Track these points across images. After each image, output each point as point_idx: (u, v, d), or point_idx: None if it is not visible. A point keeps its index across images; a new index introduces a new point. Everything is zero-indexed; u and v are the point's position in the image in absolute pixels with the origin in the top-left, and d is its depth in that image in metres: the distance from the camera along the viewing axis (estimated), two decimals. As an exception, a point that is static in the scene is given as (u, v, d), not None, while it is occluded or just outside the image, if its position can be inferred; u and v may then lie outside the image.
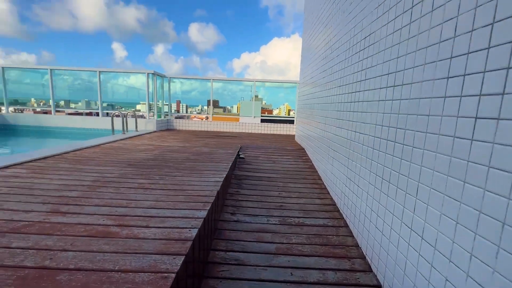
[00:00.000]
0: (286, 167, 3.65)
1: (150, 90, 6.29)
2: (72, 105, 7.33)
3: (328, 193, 2.79)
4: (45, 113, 6.80)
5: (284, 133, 7.08)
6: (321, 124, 3.28)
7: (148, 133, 5.67)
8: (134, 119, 5.99)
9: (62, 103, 7.10)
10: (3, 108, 6.56)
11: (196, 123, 6.99)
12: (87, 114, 7.20)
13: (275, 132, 7.13)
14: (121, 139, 4.55)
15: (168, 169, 2.69)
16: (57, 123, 6.28)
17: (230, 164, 3.05)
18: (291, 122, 7.18)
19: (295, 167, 3.67)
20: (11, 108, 6.64)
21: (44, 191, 1.90)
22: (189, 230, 1.36)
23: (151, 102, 6.39)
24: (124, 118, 5.38)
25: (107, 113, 6.45)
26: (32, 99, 7.76)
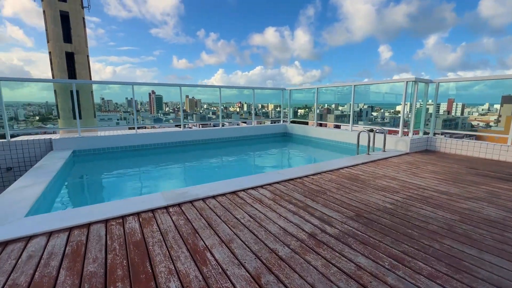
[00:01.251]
0: None
1: (409, 102, 5.14)
2: (340, 108, 8.07)
3: None
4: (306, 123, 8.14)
5: None
6: None
7: (396, 156, 4.69)
8: (383, 135, 5.27)
9: (333, 105, 8.05)
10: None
11: (478, 145, 4.69)
12: (336, 126, 7.57)
13: None
14: (362, 163, 4.08)
15: (408, 243, 1.75)
16: (314, 134, 7.23)
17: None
18: None
19: None
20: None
21: (263, 234, 1.88)
22: None
23: (407, 117, 5.24)
24: (372, 134, 4.86)
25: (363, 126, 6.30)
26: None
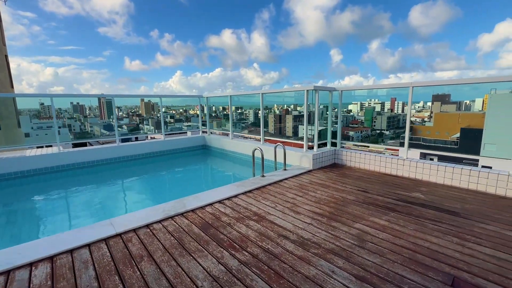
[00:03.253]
0: None
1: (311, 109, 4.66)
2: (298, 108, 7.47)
3: None
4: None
5: None
6: None
7: (295, 176, 4.15)
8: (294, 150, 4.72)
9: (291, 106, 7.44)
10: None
11: (378, 159, 4.36)
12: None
13: None
14: (244, 192, 3.42)
15: None
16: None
17: None
18: None
19: None
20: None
21: None
22: None
23: (310, 127, 4.76)
24: (281, 150, 4.27)
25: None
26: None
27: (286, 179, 4.01)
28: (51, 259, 2.02)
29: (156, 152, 6.46)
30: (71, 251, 2.11)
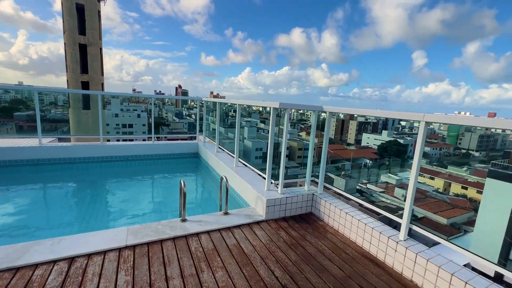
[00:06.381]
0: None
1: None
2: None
3: None
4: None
5: None
6: None
7: (228, 229, 2.97)
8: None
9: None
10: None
11: (385, 231, 2.73)
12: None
13: None
14: (133, 245, 2.50)
15: None
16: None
17: None
18: None
19: None
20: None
21: None
22: None
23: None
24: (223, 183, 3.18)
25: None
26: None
27: (211, 231, 2.88)
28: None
29: (141, 156, 6.10)
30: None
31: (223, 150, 5.70)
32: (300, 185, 3.79)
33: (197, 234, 2.80)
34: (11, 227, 3.46)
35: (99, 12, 23.43)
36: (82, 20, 22.28)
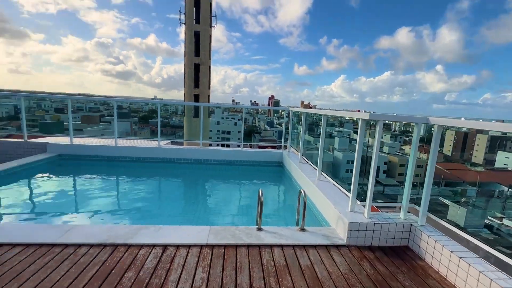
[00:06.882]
0: None
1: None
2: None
3: None
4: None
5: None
6: None
7: (303, 247, 2.75)
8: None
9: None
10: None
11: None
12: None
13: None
14: (211, 245, 2.71)
15: None
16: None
17: None
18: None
19: None
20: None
21: None
22: None
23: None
24: (301, 197, 3.08)
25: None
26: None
27: (285, 246, 2.77)
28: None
29: (228, 161, 6.65)
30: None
31: (307, 162, 5.52)
32: (394, 211, 3.18)
33: (271, 246, 2.76)
34: (132, 210, 4.42)
35: (210, 36, 27.72)
36: (197, 44, 26.87)
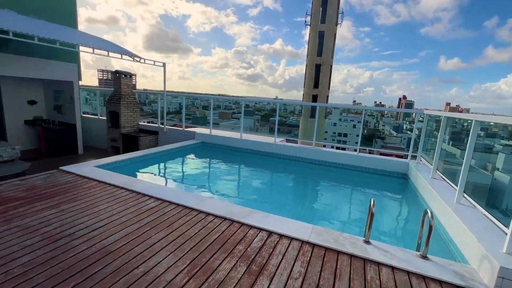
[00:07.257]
0: None
1: None
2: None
3: None
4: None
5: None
6: None
7: (439, 282, 2.26)
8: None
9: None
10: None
11: None
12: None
13: None
14: (314, 244, 2.74)
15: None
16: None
17: None
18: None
19: None
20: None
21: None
22: None
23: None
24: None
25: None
26: None
27: (397, 269, 2.39)
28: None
29: (340, 164, 6.27)
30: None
31: (443, 178, 4.44)
32: None
33: (378, 264, 2.46)
34: (247, 194, 5.07)
35: (334, 35, 26.89)
36: (320, 44, 26.73)
